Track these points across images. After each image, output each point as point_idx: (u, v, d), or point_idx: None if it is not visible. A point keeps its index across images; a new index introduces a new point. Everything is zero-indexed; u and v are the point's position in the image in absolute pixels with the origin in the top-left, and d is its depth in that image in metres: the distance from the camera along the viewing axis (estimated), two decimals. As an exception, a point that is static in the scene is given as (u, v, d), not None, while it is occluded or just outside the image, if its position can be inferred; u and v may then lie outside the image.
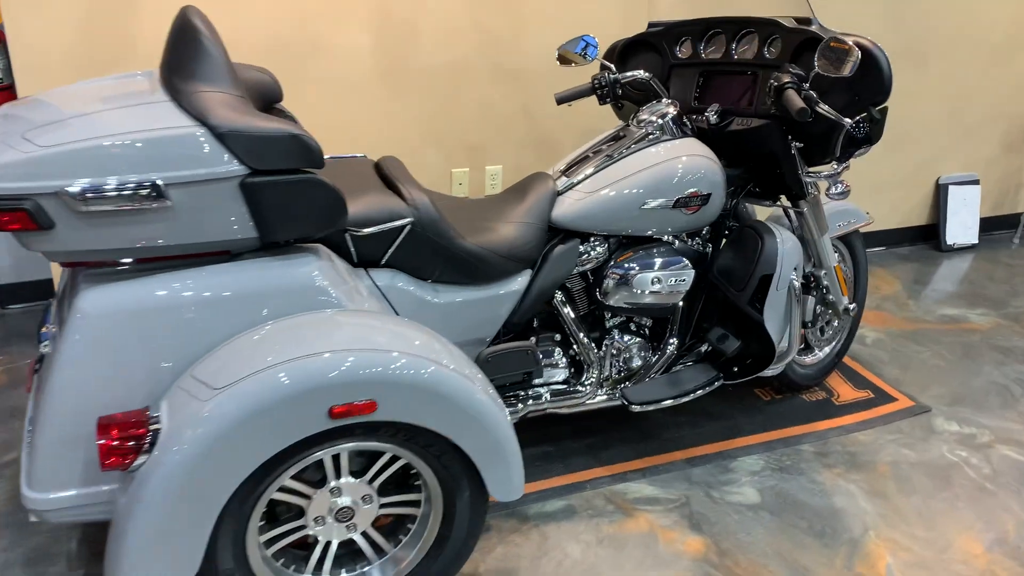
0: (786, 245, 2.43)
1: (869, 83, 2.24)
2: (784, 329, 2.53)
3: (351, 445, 1.71)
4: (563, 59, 2.64)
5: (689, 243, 2.55)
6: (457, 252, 2.14)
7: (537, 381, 2.46)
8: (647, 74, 2.58)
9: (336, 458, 1.76)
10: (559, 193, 2.39)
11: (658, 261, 2.43)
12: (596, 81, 2.61)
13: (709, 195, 2.40)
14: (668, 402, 2.48)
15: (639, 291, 2.43)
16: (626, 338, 2.54)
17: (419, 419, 1.69)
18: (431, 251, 2.11)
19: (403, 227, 2.05)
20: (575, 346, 2.47)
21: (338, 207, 1.73)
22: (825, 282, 2.77)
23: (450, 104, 3.30)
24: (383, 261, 2.09)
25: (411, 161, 3.31)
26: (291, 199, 1.65)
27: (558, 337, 2.49)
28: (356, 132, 3.19)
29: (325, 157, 2.46)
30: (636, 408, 2.45)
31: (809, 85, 2.26)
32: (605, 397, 2.52)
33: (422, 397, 1.67)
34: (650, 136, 2.44)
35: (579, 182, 2.39)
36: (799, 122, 2.31)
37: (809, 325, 2.80)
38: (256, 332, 1.66)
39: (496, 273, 2.24)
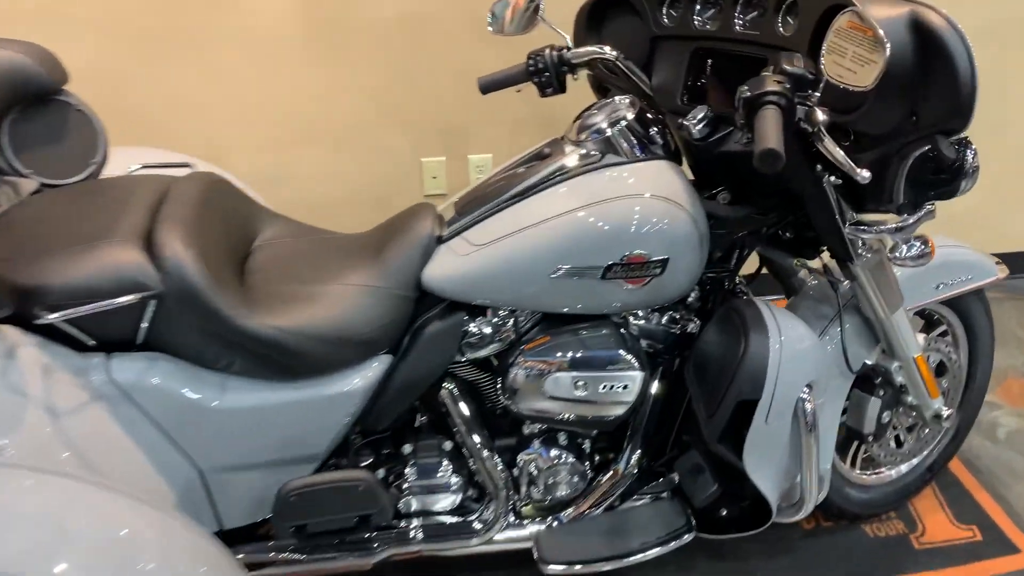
0: (792, 349, 1.47)
1: (935, 92, 1.21)
2: (788, 476, 1.58)
3: None
4: (494, 19, 1.74)
5: (650, 322, 1.64)
6: (237, 338, 1.39)
7: (412, 507, 1.69)
8: (613, 52, 1.65)
9: None
10: (441, 240, 1.56)
11: (584, 355, 1.55)
12: (533, 62, 1.71)
13: (665, 260, 1.48)
14: (602, 565, 1.63)
15: (554, 397, 1.57)
16: (551, 453, 1.69)
17: None
18: (200, 334, 1.38)
19: (142, 303, 1.33)
20: (472, 460, 1.67)
21: None
22: (899, 379, 1.76)
23: (418, 70, 2.48)
24: (138, 342, 1.38)
25: (368, 147, 2.54)
26: None
27: (447, 446, 1.69)
28: (288, 109, 2.45)
29: (133, 168, 1.77)
30: (550, 571, 1.62)
31: (818, 99, 1.27)
32: (514, 535, 1.71)
33: None
34: (587, 157, 1.54)
35: (468, 226, 1.55)
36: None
37: (870, 440, 1.81)
38: None
39: (320, 364, 1.48)
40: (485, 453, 1.66)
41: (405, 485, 1.69)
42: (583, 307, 1.54)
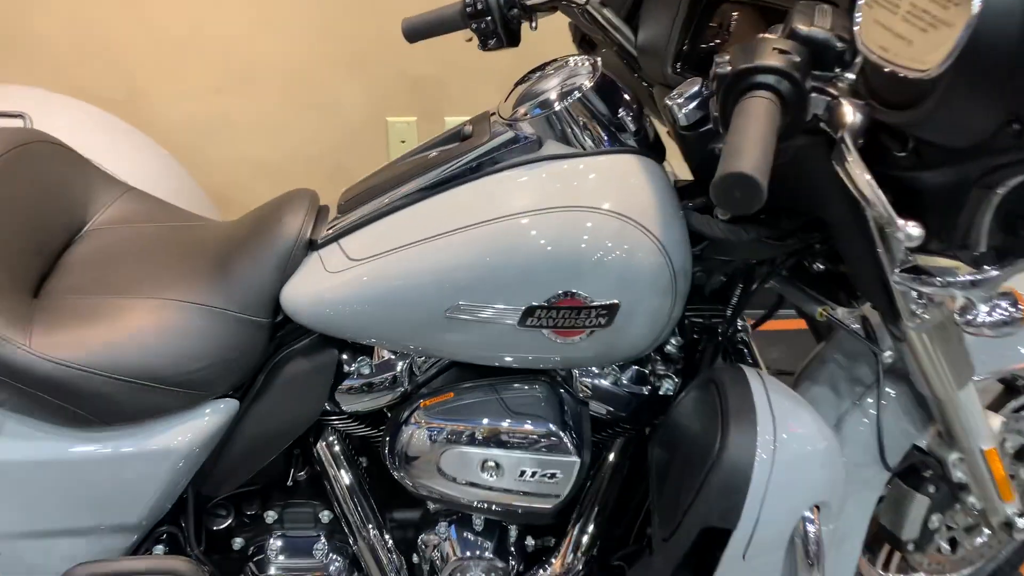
0: (791, 457, 0.98)
1: None
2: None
3: None
4: None
5: (606, 378, 1.16)
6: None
7: None
8: None
9: None
10: (315, 246, 1.11)
11: (498, 425, 1.09)
12: (470, 2, 1.21)
13: (612, 306, 0.99)
14: None
15: (455, 480, 1.12)
16: (462, 540, 1.24)
17: None
18: None
19: None
20: (354, 539, 1.24)
21: None
22: (959, 474, 1.26)
23: (384, 7, 1.99)
24: None
25: (321, 99, 2.07)
26: None
27: (326, 516, 1.27)
28: (224, 48, 2.00)
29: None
30: None
31: (850, 84, 0.76)
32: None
33: None
34: (519, 143, 1.05)
35: (348, 230, 1.09)
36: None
37: (910, 548, 1.32)
38: None
39: (126, 411, 1.07)
40: (371, 531, 1.23)
41: (266, 562, 1.26)
42: (494, 360, 1.08)
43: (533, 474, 1.10)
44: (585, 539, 1.24)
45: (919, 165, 0.82)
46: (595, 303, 0.98)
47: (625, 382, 1.17)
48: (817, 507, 1.00)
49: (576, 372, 1.15)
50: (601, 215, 0.97)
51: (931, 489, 1.27)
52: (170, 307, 1.08)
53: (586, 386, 1.16)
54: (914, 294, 1.01)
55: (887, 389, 1.19)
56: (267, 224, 1.14)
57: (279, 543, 1.27)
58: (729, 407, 0.99)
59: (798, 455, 0.97)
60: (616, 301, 0.99)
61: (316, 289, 1.07)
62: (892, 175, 0.83)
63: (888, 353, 1.11)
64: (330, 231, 1.11)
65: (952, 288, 0.93)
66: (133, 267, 1.16)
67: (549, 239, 0.97)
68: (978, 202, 0.81)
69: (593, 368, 1.15)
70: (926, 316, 1.03)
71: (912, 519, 1.29)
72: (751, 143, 0.64)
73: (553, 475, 1.10)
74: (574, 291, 0.98)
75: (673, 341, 1.19)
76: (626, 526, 1.31)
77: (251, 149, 2.11)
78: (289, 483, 1.28)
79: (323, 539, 1.27)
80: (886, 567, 1.49)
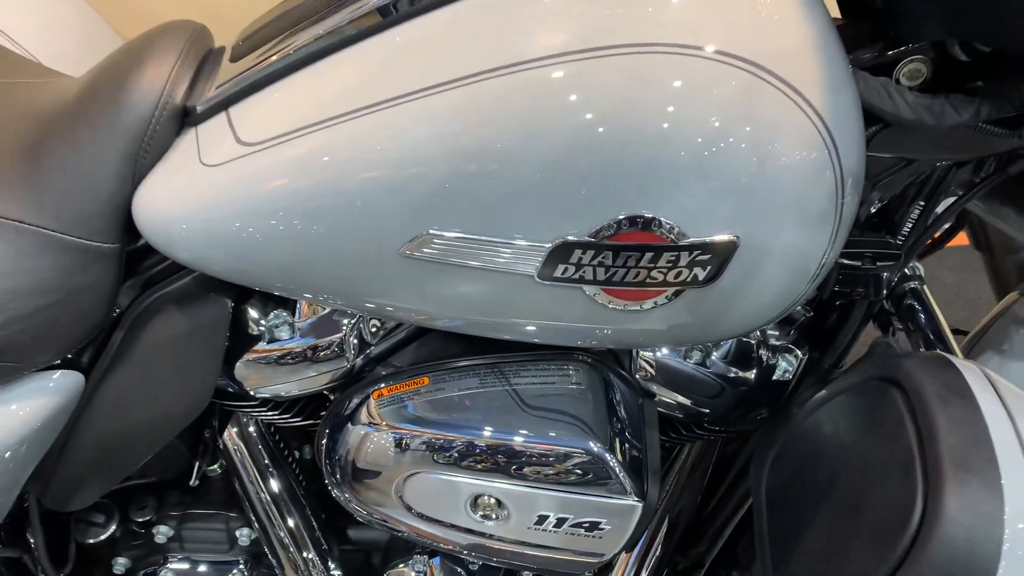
0: None
1: None
2: None
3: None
4: None
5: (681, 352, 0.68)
6: None
7: None
8: None
9: None
10: (194, 116, 0.62)
11: (494, 436, 0.63)
12: None
13: (728, 245, 0.51)
14: None
15: (425, 519, 0.67)
16: (455, 572, 0.80)
17: None
18: None
19: None
20: (284, 569, 0.80)
21: None
22: None
23: None
24: None
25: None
26: None
27: (244, 536, 0.83)
28: None
29: None
30: None
31: None
32: None
33: None
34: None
35: (241, 93, 0.60)
36: None
37: None
38: None
39: None
40: (311, 560, 0.80)
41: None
42: (494, 334, 0.61)
43: (560, 522, 0.64)
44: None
45: None
46: (690, 240, 0.50)
47: (716, 359, 0.70)
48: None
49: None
50: (706, 61, 0.48)
51: None
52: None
53: (649, 365, 0.69)
54: None
55: None
56: (116, 80, 0.66)
57: (179, 568, 0.85)
58: (939, 438, 0.52)
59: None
60: (732, 236, 0.50)
61: (186, 194, 0.60)
62: None
63: None
64: (215, 93, 0.63)
65: None
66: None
67: (599, 112, 0.49)
68: None
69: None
70: None
71: None
72: None
73: (596, 526, 0.64)
74: (649, 215, 0.50)
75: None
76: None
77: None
78: (193, 482, 0.85)
79: (242, 567, 0.85)
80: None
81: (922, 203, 0.68)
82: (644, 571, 0.85)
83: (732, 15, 0.50)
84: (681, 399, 0.71)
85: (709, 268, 0.52)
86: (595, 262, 0.52)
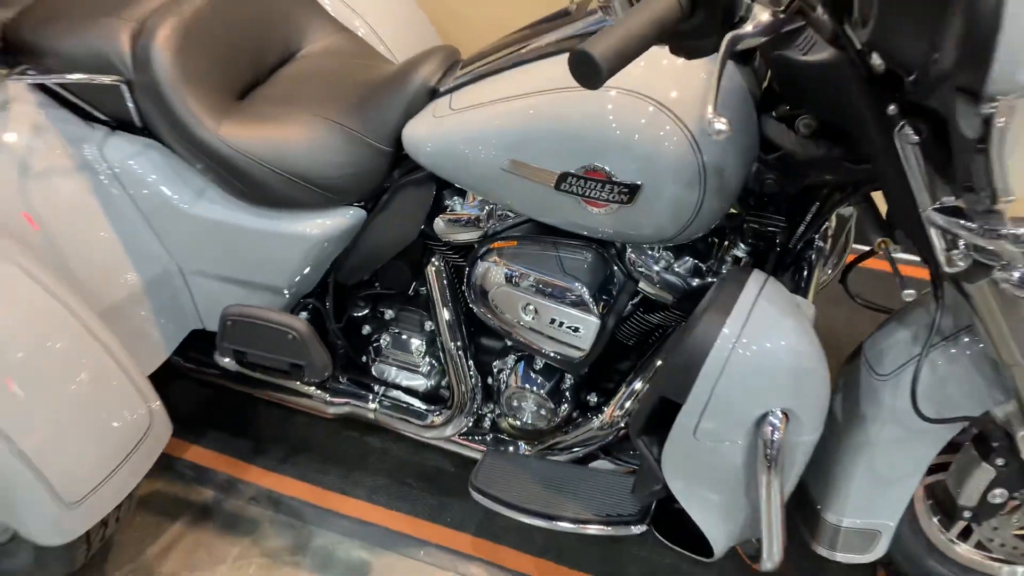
0: (756, 354, 1.02)
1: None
2: (743, 518, 1.16)
3: None
4: None
5: (657, 262, 1.24)
6: (196, 146, 1.34)
7: (383, 373, 1.57)
8: None
9: None
10: (436, 94, 1.32)
11: (542, 276, 1.25)
12: None
13: (634, 186, 1.08)
14: (526, 519, 1.38)
15: (504, 314, 1.31)
16: (523, 374, 1.44)
17: None
18: (173, 130, 1.36)
19: (113, 87, 1.34)
20: (444, 349, 1.49)
21: None
22: (1030, 449, 1.18)
23: None
24: (138, 124, 1.42)
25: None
26: None
27: (429, 326, 1.53)
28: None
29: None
30: (475, 498, 1.43)
31: None
32: (468, 443, 1.53)
33: None
34: (603, 23, 1.14)
35: (461, 84, 1.28)
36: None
37: (965, 516, 1.28)
38: None
39: (277, 197, 1.39)
40: (456, 347, 1.45)
41: (381, 349, 1.56)
42: (542, 217, 1.21)
43: (560, 324, 1.24)
44: (629, 404, 1.36)
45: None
46: (616, 179, 1.07)
47: (678, 270, 1.24)
48: (786, 415, 1.03)
49: (630, 250, 1.24)
50: (630, 97, 1.04)
51: (999, 462, 1.20)
52: (320, 123, 1.35)
53: (633, 263, 1.24)
54: (962, 244, 0.96)
55: (973, 346, 1.13)
56: (407, 70, 1.35)
57: (388, 339, 1.55)
58: (716, 295, 1.04)
59: (761, 356, 1.00)
60: (638, 182, 1.07)
61: (425, 131, 1.27)
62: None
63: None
64: (451, 83, 1.29)
65: (989, 238, 0.89)
66: (315, 87, 1.44)
67: (584, 113, 1.07)
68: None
69: (649, 250, 1.23)
70: (961, 264, 0.98)
71: (972, 486, 1.23)
72: (617, 34, 0.71)
73: (576, 329, 1.23)
74: (598, 165, 1.08)
75: (742, 245, 1.23)
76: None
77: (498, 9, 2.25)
78: (410, 292, 1.53)
79: (423, 343, 1.53)
80: (965, 540, 1.41)
81: (817, 203, 1.17)
82: (623, 410, 1.36)
83: (656, 73, 1.05)
84: (652, 287, 1.25)
85: (627, 194, 1.08)
86: (578, 184, 1.10)
